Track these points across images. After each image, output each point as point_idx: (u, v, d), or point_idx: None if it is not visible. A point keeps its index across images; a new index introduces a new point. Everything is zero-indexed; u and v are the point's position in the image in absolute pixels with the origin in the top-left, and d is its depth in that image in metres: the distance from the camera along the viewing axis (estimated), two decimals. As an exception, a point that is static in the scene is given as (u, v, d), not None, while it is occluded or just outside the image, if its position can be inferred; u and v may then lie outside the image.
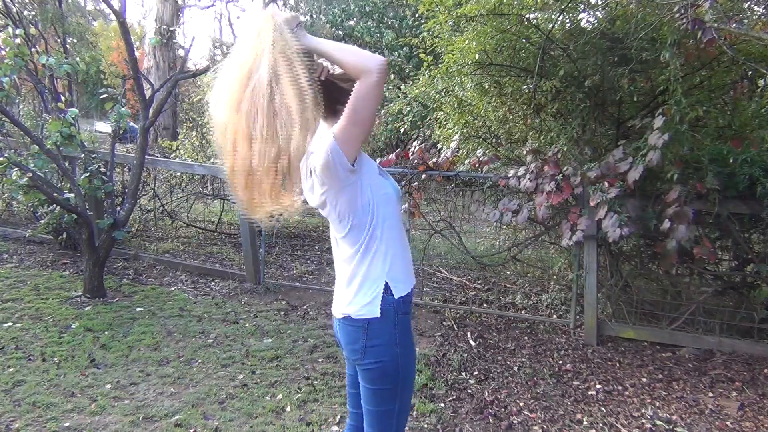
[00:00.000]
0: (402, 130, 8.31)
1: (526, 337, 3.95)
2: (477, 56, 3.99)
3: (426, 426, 2.74)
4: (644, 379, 3.32)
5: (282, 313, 4.27)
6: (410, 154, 4.40)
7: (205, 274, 5.18)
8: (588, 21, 4.14)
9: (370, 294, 1.57)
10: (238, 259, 5.56)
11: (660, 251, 3.51)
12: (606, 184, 3.40)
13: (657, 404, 3.03)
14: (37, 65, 4.42)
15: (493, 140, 4.86)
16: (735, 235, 3.61)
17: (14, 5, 5.61)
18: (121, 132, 4.60)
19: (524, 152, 4.20)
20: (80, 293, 4.36)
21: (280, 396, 2.97)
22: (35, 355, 3.32)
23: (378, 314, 1.56)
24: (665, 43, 3.16)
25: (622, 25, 3.72)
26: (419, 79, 4.91)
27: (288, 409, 2.85)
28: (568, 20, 3.96)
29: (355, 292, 1.59)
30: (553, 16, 3.89)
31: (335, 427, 2.69)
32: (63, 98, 4.65)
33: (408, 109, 8.55)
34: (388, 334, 1.58)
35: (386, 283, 1.57)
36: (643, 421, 2.86)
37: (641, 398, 3.10)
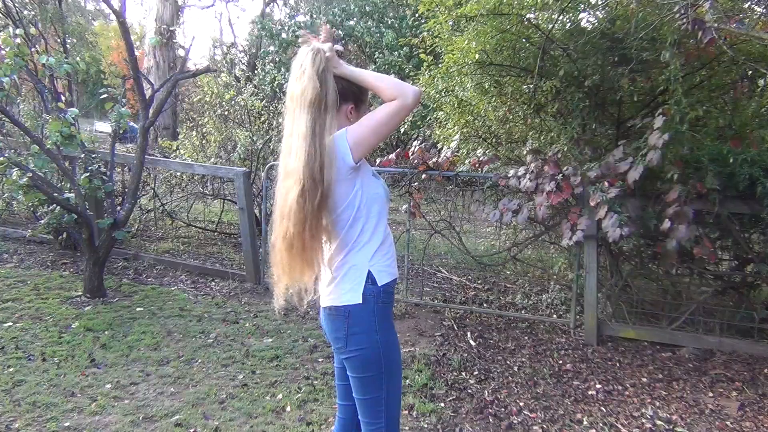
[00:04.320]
0: (402, 130, 8.31)
1: (526, 337, 3.95)
2: (477, 56, 3.99)
3: (426, 426, 2.74)
4: (644, 379, 3.32)
5: (282, 312, 4.27)
6: (410, 154, 4.40)
7: (205, 274, 5.18)
8: (588, 21, 4.14)
9: (353, 281, 1.64)
10: (238, 259, 5.56)
11: (660, 251, 3.51)
12: (606, 184, 3.40)
13: (657, 404, 3.03)
14: (37, 65, 4.41)
15: (493, 140, 4.86)
16: (735, 235, 3.61)
17: (14, 5, 5.61)
18: (121, 132, 4.60)
19: (524, 152, 4.20)
20: (80, 293, 4.36)
21: (280, 396, 2.97)
22: (35, 355, 3.32)
23: (359, 300, 1.62)
24: (665, 43, 3.16)
25: (622, 25, 3.72)
26: (419, 79, 4.90)
27: (288, 408, 2.85)
28: (568, 20, 3.96)
29: (339, 281, 1.66)
30: (553, 16, 3.89)
31: (335, 427, 2.69)
32: (63, 98, 4.66)
33: (408, 109, 8.53)
34: (368, 322, 1.64)
35: (369, 272, 1.64)
36: (643, 420, 2.86)
37: (641, 398, 3.10)
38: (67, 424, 2.63)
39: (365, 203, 1.63)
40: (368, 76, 1.64)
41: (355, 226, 1.63)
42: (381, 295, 1.65)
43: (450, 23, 4.36)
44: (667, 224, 3.22)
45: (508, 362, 3.52)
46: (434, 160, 4.30)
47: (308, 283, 1.68)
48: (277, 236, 1.63)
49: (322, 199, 1.54)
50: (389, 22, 14.09)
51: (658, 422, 2.84)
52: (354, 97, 1.68)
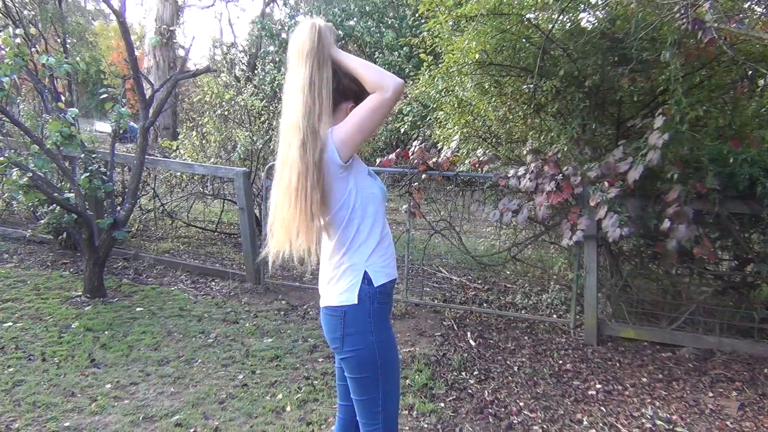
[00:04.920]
0: (402, 130, 8.32)
1: (526, 337, 3.95)
2: (477, 56, 3.99)
3: (426, 426, 2.74)
4: (644, 379, 3.32)
5: (282, 312, 4.27)
6: (410, 154, 4.40)
7: (205, 274, 5.18)
8: (588, 21, 4.14)
9: (349, 282, 1.63)
10: (238, 259, 5.56)
11: (660, 251, 3.51)
12: (606, 184, 3.40)
13: (657, 404, 3.03)
14: (37, 65, 4.41)
15: (493, 140, 4.86)
16: (735, 234, 3.61)
17: (14, 5, 5.61)
18: (121, 132, 4.60)
19: (524, 152, 4.20)
20: (80, 293, 4.36)
21: (280, 396, 2.97)
22: (35, 355, 3.32)
23: (355, 301, 1.62)
24: (665, 43, 3.16)
25: (623, 25, 3.72)
26: (419, 79, 4.91)
27: (288, 408, 2.85)
28: (568, 20, 3.97)
29: (336, 281, 1.66)
30: (553, 16, 3.89)
31: (335, 427, 2.69)
32: (63, 98, 4.66)
33: (408, 109, 8.56)
34: (363, 322, 1.63)
35: (365, 272, 1.63)
36: (643, 420, 2.86)
37: (641, 398, 3.10)
38: (67, 424, 2.63)
39: (360, 203, 1.62)
40: (353, 62, 1.61)
41: (350, 226, 1.62)
42: (377, 295, 1.65)
43: (450, 23, 4.37)
44: (667, 224, 3.22)
45: (508, 362, 3.52)
46: (434, 160, 4.30)
47: (305, 243, 1.62)
48: (278, 185, 1.63)
49: (321, 152, 1.55)
50: (389, 22, 14.10)
51: (658, 422, 2.84)
52: (354, 96, 1.67)
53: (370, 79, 1.55)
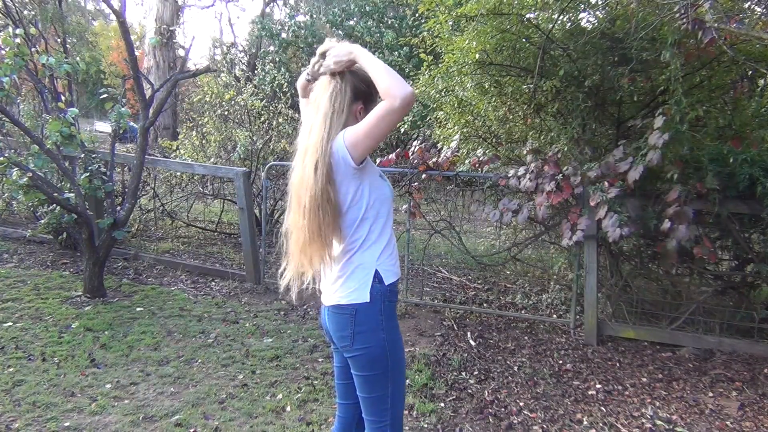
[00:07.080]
0: (402, 130, 8.30)
1: (526, 337, 3.95)
2: (477, 56, 3.99)
3: (426, 426, 2.74)
4: (644, 379, 3.32)
5: (282, 312, 4.27)
6: (410, 154, 4.40)
7: (205, 274, 5.18)
8: (588, 21, 4.14)
9: (360, 280, 1.65)
10: (238, 259, 5.56)
11: (660, 251, 3.51)
12: (606, 183, 3.40)
13: (657, 404, 3.03)
14: (37, 65, 4.41)
15: (493, 140, 4.86)
16: (735, 234, 3.61)
17: (14, 5, 5.60)
18: (121, 132, 4.60)
19: (524, 152, 4.20)
20: (80, 293, 4.36)
21: (280, 396, 2.97)
22: (35, 355, 3.32)
23: (367, 299, 1.63)
24: (665, 43, 3.16)
25: (623, 25, 3.72)
26: (419, 79, 4.90)
27: (288, 408, 2.85)
28: (568, 20, 3.96)
29: (345, 280, 1.66)
30: (553, 16, 3.89)
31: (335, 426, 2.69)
32: (63, 98, 4.65)
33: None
34: (375, 320, 1.65)
35: (376, 271, 1.65)
36: (643, 420, 2.86)
37: (641, 398, 3.10)
38: (67, 424, 2.63)
39: (373, 204, 1.64)
40: (371, 64, 1.57)
41: (363, 226, 1.64)
42: (387, 294, 1.67)
43: (450, 23, 4.37)
44: (667, 224, 3.22)
45: (508, 362, 3.52)
46: (434, 160, 4.30)
47: (318, 264, 1.67)
48: (291, 209, 1.67)
49: (330, 167, 1.58)
50: (389, 22, 14.09)
51: (658, 422, 2.84)
52: (363, 96, 1.67)
53: (383, 84, 1.52)
